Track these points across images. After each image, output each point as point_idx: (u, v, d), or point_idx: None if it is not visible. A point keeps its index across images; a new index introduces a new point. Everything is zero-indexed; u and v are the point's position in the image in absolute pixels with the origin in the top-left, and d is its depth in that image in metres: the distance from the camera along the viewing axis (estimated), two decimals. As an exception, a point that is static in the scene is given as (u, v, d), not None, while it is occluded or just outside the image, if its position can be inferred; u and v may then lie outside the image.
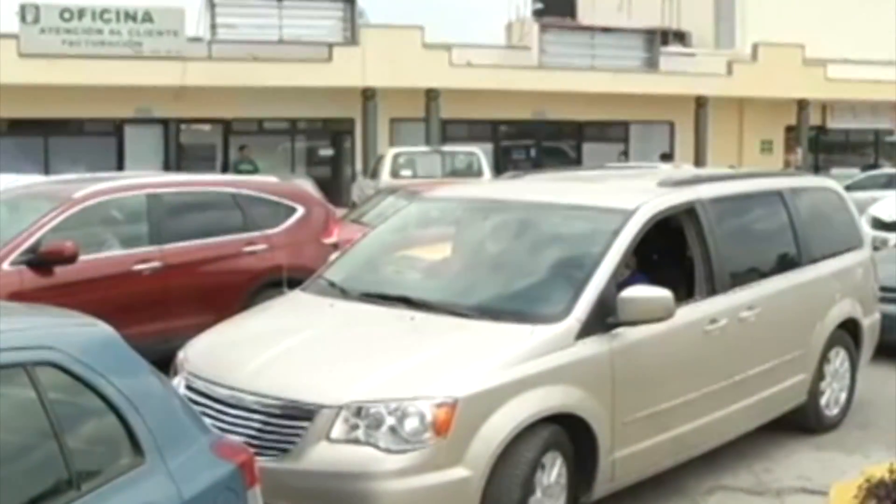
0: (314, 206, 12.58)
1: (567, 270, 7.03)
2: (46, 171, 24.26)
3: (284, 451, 5.83)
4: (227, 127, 30.76)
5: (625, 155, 34.08)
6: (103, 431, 3.96)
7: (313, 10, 30.24)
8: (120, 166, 28.40)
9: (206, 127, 31.07)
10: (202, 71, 27.64)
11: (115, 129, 29.58)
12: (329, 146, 32.44)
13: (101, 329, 4.22)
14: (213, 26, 28.94)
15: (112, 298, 9.71)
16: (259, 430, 5.91)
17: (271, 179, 13.66)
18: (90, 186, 10.98)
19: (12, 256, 9.83)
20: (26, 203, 11.09)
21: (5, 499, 3.56)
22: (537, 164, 32.55)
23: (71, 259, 9.93)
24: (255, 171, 26.64)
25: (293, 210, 11.99)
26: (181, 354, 6.90)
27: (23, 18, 26.75)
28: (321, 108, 30.44)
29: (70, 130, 29.16)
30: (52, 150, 28.39)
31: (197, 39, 28.75)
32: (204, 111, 29.46)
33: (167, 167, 29.15)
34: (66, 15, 27.15)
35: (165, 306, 10.47)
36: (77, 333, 4.14)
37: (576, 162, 34.05)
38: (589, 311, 6.51)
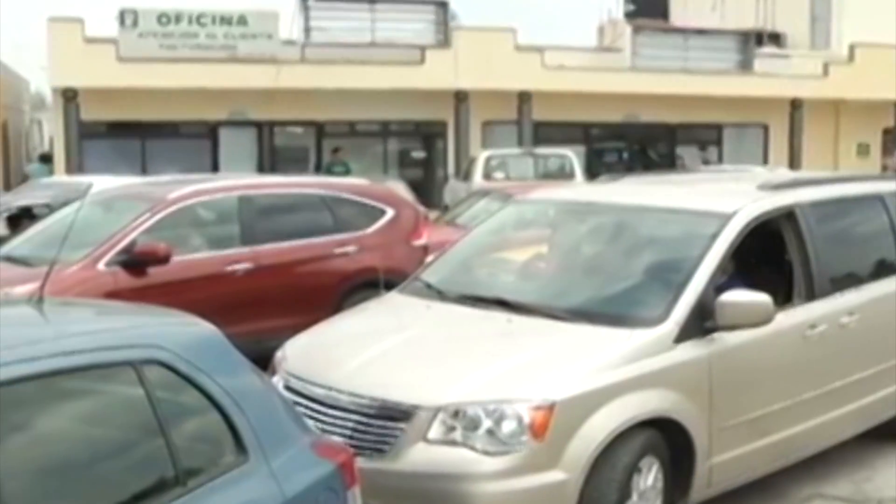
0: (404, 207, 12.64)
1: (665, 274, 6.98)
2: (143, 173, 24.58)
3: (381, 451, 5.86)
4: (320, 129, 30.95)
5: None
6: (208, 429, 4.01)
7: (406, 12, 30.32)
8: (214, 168, 28.70)
9: (300, 129, 31.28)
10: (295, 73, 27.86)
11: (209, 132, 29.91)
12: (421, 148, 32.52)
13: (205, 328, 4.29)
14: (307, 29, 29.14)
15: (204, 299, 9.70)
16: (356, 430, 5.94)
17: (361, 181, 13.80)
18: (183, 188, 11.15)
19: (107, 257, 10.02)
20: (121, 204, 11.27)
21: (115, 492, 3.63)
22: (629, 167, 32.35)
23: (164, 260, 10.08)
24: (347, 172, 26.85)
25: (383, 212, 12.05)
26: (279, 354, 6.97)
27: (122, 23, 27.15)
28: (413, 111, 30.51)
29: (166, 133, 29.52)
30: (149, 152, 28.76)
31: (291, 42, 28.95)
32: (297, 113, 29.67)
33: (261, 169, 29.41)
34: (164, 19, 27.50)
35: (257, 307, 10.54)
36: (182, 332, 4.21)
37: (668, 165, 33.75)
38: (687, 315, 6.46)
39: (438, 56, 29.37)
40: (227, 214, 11.28)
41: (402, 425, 5.85)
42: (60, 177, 24.00)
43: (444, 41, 29.94)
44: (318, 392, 6.24)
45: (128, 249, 10.09)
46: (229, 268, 10.69)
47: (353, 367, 6.33)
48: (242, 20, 27.92)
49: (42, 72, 31.60)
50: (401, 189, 23.69)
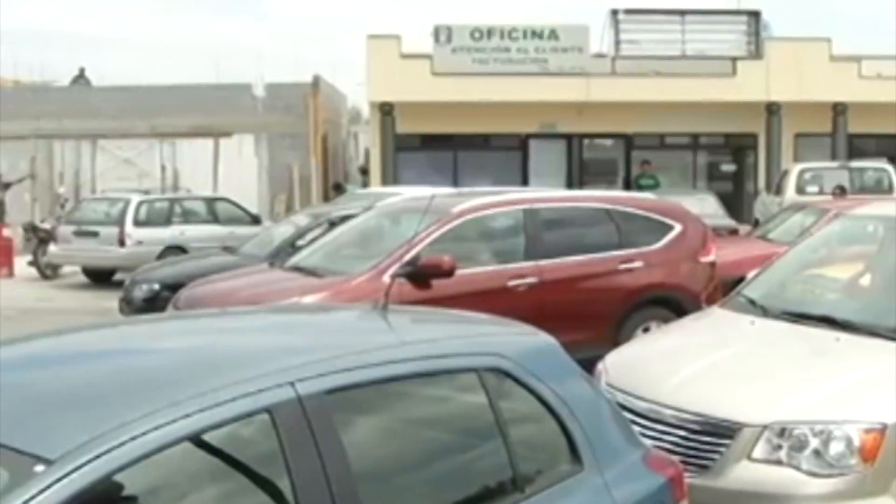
0: (691, 223, 12.31)
1: None
2: (455, 184, 25.21)
3: (704, 467, 5.82)
4: (628, 142, 30.93)
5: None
6: (544, 437, 4.10)
7: (717, 24, 29.92)
8: (524, 180, 29.14)
9: (608, 142, 31.37)
10: (605, 86, 27.93)
11: (520, 144, 30.37)
12: (731, 161, 32.01)
13: (543, 338, 4.40)
14: (617, 42, 29.18)
15: (486, 313, 9.63)
16: (678, 445, 5.92)
17: (648, 196, 13.61)
18: (468, 201, 11.22)
19: (393, 269, 10.03)
20: (407, 216, 11.42)
21: (459, 494, 3.78)
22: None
23: (448, 273, 9.97)
24: (656, 185, 26.78)
25: (670, 227, 11.82)
26: (600, 366, 7.03)
27: (436, 39, 27.95)
28: (723, 123, 30.06)
29: (477, 145, 30.17)
30: (461, 164, 29.47)
31: (601, 55, 29.07)
32: (606, 126, 29.74)
33: (569, 181, 29.65)
34: (476, 35, 28.12)
35: (539, 322, 10.24)
36: (521, 341, 4.33)
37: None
38: None
39: (750, 67, 28.83)
40: (512, 228, 11.29)
41: (726, 442, 5.80)
42: (376, 188, 24.89)
43: (756, 52, 29.38)
44: (640, 405, 6.26)
45: (412, 262, 10.05)
46: (512, 282, 10.63)
47: (676, 382, 6.32)
48: (553, 34, 28.23)
49: (358, 87, 32.88)
50: (711, 202, 23.47)
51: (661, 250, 11.60)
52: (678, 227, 11.87)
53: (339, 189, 30.86)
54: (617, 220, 11.64)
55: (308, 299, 9.50)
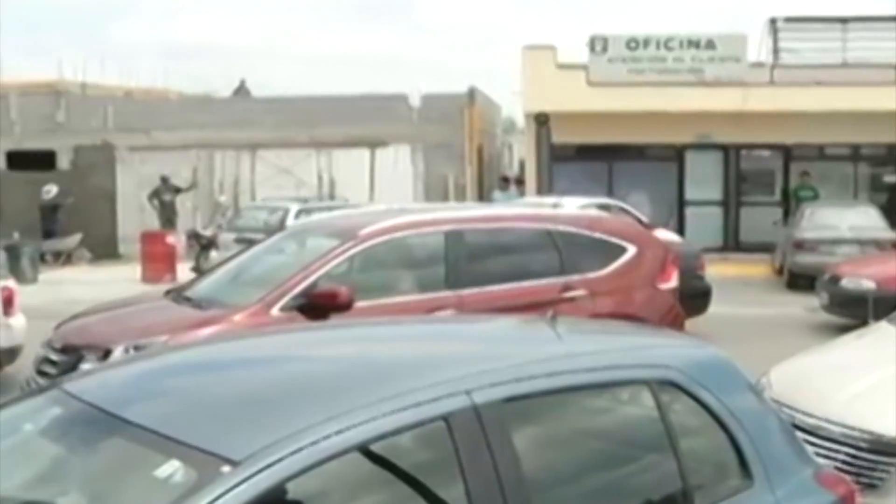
0: (649, 245, 11.04)
1: None
2: (609, 195, 25.09)
3: (872, 486, 5.71)
4: (787, 152, 30.31)
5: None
6: (715, 451, 4.09)
7: (880, 30, 29.16)
8: (680, 191, 28.91)
9: (766, 152, 30.83)
10: (763, 96, 27.46)
11: (675, 155, 30.06)
12: (894, 172, 31.19)
13: (712, 350, 4.38)
14: (776, 51, 28.73)
15: None
16: (846, 462, 5.82)
17: (597, 214, 12.51)
18: (378, 222, 9.84)
19: (283, 301, 8.89)
20: (312, 239, 10.49)
21: (630, 501, 3.79)
22: None
23: (345, 306, 8.68)
24: (815, 197, 26.29)
25: (622, 250, 10.48)
26: (763, 381, 6.93)
27: (592, 49, 27.85)
28: (886, 133, 29.18)
29: (632, 155, 29.91)
30: (616, 175, 29.25)
31: (759, 65, 28.62)
32: (764, 136, 29.20)
33: (726, 193, 29.30)
34: (632, 44, 27.95)
35: None
36: (690, 353, 4.32)
37: None
38: None
39: (915, 75, 28.04)
40: (431, 253, 9.89)
41: (894, 461, 5.69)
42: (530, 198, 24.91)
43: (922, 60, 28.57)
44: (806, 421, 6.16)
45: (307, 293, 8.86)
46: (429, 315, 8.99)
47: (844, 398, 6.21)
48: (710, 44, 27.89)
49: (513, 96, 32.93)
50: (873, 215, 22.91)
51: (611, 276, 10.25)
52: (632, 250, 10.54)
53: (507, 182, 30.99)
54: (558, 243, 10.21)
55: (186, 337, 8.01)
